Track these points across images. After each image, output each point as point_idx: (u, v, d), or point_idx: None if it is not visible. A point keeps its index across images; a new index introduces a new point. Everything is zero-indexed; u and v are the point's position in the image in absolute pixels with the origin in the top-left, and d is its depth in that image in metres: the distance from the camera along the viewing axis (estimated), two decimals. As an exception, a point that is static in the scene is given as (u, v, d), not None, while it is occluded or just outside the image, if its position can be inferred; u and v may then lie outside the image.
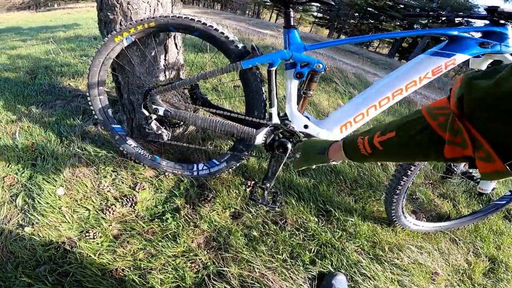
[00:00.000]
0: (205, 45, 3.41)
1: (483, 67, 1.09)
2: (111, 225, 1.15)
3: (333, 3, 0.96)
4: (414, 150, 0.51)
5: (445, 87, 5.73)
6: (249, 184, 1.42)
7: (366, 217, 1.38)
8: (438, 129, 0.45)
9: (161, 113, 1.14)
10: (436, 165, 1.88)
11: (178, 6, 1.26)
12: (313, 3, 0.95)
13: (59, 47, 3.45)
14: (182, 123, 1.25)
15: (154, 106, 1.13)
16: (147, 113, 1.16)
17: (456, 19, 1.09)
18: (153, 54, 1.24)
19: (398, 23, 19.28)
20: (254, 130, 1.08)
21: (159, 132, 1.20)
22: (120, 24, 1.15)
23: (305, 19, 31.62)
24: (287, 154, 1.08)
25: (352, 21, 23.07)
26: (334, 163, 0.78)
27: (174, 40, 1.29)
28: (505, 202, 1.35)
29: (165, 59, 1.29)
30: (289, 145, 1.06)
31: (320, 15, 27.58)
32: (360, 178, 1.61)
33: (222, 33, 0.98)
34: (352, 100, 1.04)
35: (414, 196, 1.59)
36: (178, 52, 1.35)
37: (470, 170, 1.21)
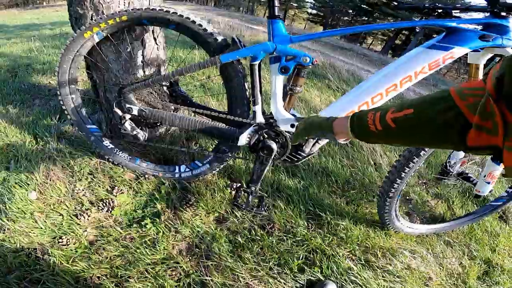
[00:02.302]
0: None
1: (482, 62, 1.02)
2: (86, 230, 1.08)
3: None
4: (432, 132, 0.44)
5: (438, 83, 5.72)
6: (234, 186, 1.35)
7: (358, 220, 1.31)
8: (466, 110, 0.40)
9: (135, 112, 1.06)
10: (431, 164, 1.83)
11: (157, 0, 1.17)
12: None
13: (43, 45, 3.32)
14: (159, 123, 1.17)
15: (127, 105, 1.05)
16: (120, 113, 1.08)
17: (453, 11, 1.02)
18: (128, 50, 1.15)
19: (392, 21, 19.31)
20: (237, 130, 1.01)
21: (134, 133, 1.12)
22: (91, 19, 1.05)
23: (299, 16, 31.58)
24: (273, 156, 1.01)
25: (346, 18, 23.07)
26: (341, 141, 0.70)
27: (153, 35, 1.20)
28: (501, 203, 1.30)
29: (143, 55, 1.20)
30: (275, 147, 0.99)
31: (314, 11, 27.54)
32: (352, 178, 1.54)
33: (200, 25, 0.89)
34: (343, 97, 0.96)
35: (407, 198, 1.54)
36: (158, 48, 1.26)
37: (467, 171, 1.15)
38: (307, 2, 28.77)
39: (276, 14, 0.87)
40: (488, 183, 1.04)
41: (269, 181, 1.41)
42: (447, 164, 1.16)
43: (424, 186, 1.67)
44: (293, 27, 15.86)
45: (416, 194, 1.56)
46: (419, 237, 1.32)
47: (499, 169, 1.00)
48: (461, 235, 1.39)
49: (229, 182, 1.39)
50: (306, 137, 0.78)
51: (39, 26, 5.97)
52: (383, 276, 1.11)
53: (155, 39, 1.21)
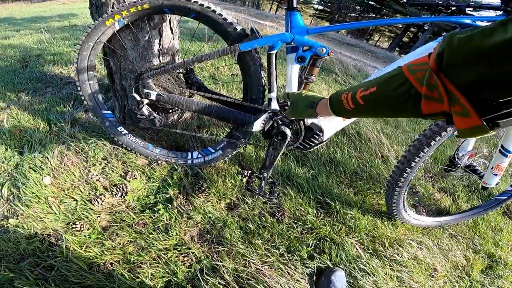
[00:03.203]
0: (202, 33, 3.32)
1: None
2: (99, 216, 1.10)
3: None
4: (392, 105, 0.51)
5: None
6: (245, 173, 1.37)
7: (366, 210, 1.34)
8: (416, 83, 0.46)
9: (153, 97, 1.09)
10: (438, 158, 1.84)
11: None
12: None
13: (52, 37, 3.35)
14: (176, 108, 1.19)
15: (146, 90, 1.08)
16: (138, 98, 1.11)
17: (467, 9, 1.03)
18: (146, 38, 1.17)
19: (400, 17, 19.07)
20: (252, 116, 1.03)
21: (151, 117, 1.15)
22: (113, 7, 1.08)
23: (305, 11, 31.26)
24: (286, 142, 1.03)
25: (353, 14, 22.80)
26: (320, 117, 0.79)
27: (170, 24, 1.23)
28: (506, 197, 1.31)
29: (159, 44, 1.23)
30: (288, 132, 1.01)
31: (320, 7, 27.24)
32: (360, 169, 1.57)
33: (220, 14, 0.92)
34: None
35: (414, 190, 1.56)
36: (173, 37, 1.29)
37: (474, 164, 1.17)
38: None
39: (295, 6, 0.90)
40: (496, 175, 1.06)
41: (280, 169, 1.44)
42: (455, 157, 1.18)
43: (430, 180, 1.69)
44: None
45: (422, 187, 1.58)
46: (425, 229, 1.34)
47: (507, 161, 1.02)
48: (466, 229, 1.41)
49: (240, 169, 1.41)
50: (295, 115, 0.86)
51: (47, 19, 5.99)
52: (390, 266, 1.13)
53: (171, 28, 1.24)
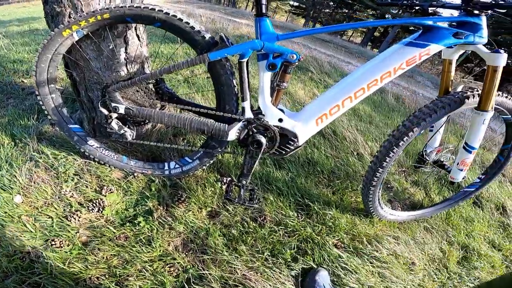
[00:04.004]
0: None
1: (455, 58, 1.09)
2: (78, 232, 1.07)
3: None
4: None
5: (413, 75, 5.93)
6: (225, 181, 1.36)
7: (345, 209, 1.37)
8: None
9: (121, 111, 1.04)
10: (409, 153, 1.92)
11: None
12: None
13: (12, 42, 3.13)
14: (147, 121, 1.16)
15: (113, 104, 1.04)
16: (106, 112, 1.06)
17: (429, 8, 1.07)
18: (110, 47, 1.12)
19: (371, 13, 19.66)
20: (226, 125, 1.02)
21: (122, 131, 1.10)
22: (69, 17, 1.02)
23: (281, 8, 31.41)
24: (262, 150, 1.03)
25: (327, 10, 23.20)
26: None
27: (136, 31, 1.18)
28: (474, 189, 1.39)
29: (126, 52, 1.17)
30: (264, 140, 1.01)
31: (296, 4, 27.48)
32: (337, 168, 1.60)
33: (187, 23, 0.89)
34: (327, 92, 1.00)
35: (389, 185, 1.62)
36: (141, 44, 1.24)
37: (442, 159, 1.23)
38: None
39: (264, 12, 0.89)
40: (461, 170, 1.12)
41: (258, 174, 1.44)
42: (424, 153, 1.24)
43: (404, 174, 1.75)
44: (275, 19, 15.80)
45: (396, 182, 1.64)
46: (401, 223, 1.39)
47: (471, 157, 1.08)
48: (439, 221, 1.47)
49: (219, 176, 1.40)
50: None
51: (5, 23, 5.60)
52: (371, 262, 1.17)
53: (138, 36, 1.19)
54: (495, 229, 1.57)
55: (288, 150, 1.06)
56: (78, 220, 1.10)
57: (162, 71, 0.92)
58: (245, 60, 0.90)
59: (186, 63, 0.89)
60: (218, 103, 1.02)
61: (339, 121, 2.02)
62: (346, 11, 21.23)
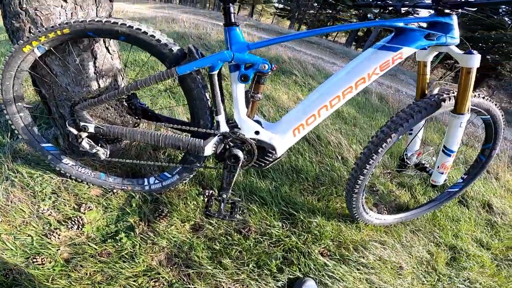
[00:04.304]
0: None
1: (429, 59, 1.08)
2: (59, 249, 1.04)
3: None
4: None
5: (396, 73, 6.03)
6: (207, 194, 1.33)
7: (330, 215, 1.35)
8: None
9: (91, 130, 1.00)
10: (394, 154, 1.93)
11: (105, 6, 1.09)
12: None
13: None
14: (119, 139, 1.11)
15: (82, 124, 0.99)
16: (75, 132, 1.01)
17: (402, 8, 1.05)
18: (77, 62, 1.07)
19: (354, 13, 19.98)
20: (202, 141, 0.98)
21: (94, 151, 1.06)
22: (30, 32, 0.97)
23: (266, 10, 31.61)
24: (240, 164, 1.00)
25: (311, 11, 23.47)
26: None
27: (105, 44, 1.13)
28: (457, 189, 1.39)
29: (95, 66, 1.13)
30: (241, 155, 0.98)
31: (281, 6, 27.71)
32: (321, 174, 1.59)
33: (153, 36, 0.85)
34: (303, 102, 0.98)
35: (374, 189, 1.61)
36: (112, 57, 1.19)
37: (423, 162, 1.23)
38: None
39: (233, 21, 0.86)
40: (442, 173, 1.11)
41: (242, 185, 1.41)
42: (404, 157, 1.23)
43: (389, 176, 1.75)
44: (261, 22, 15.85)
45: (382, 184, 1.63)
46: (388, 227, 1.38)
47: (451, 160, 1.07)
48: (426, 223, 1.47)
49: (201, 189, 1.36)
50: None
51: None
52: (358, 269, 1.15)
53: (107, 48, 1.14)
54: (482, 228, 1.58)
55: (267, 162, 1.03)
56: (58, 238, 1.07)
57: (129, 88, 0.88)
58: (215, 72, 0.86)
59: (153, 78, 0.85)
60: (192, 117, 0.99)
61: (323, 125, 2.02)
62: (330, 11, 21.51)
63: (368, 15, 17.39)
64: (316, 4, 22.36)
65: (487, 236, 1.52)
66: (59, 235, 1.07)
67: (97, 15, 1.04)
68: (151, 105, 1.83)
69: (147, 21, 5.18)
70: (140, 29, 0.84)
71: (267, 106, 2.13)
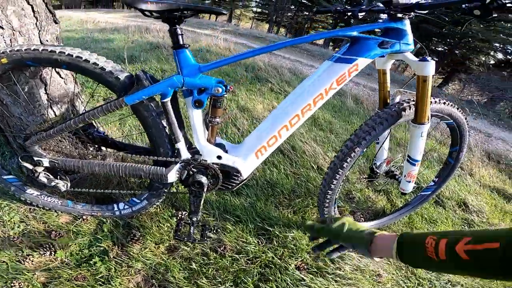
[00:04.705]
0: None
1: (388, 67, 1.07)
2: (35, 274, 1.01)
3: (224, 12, 0.84)
4: None
5: (372, 72, 6.15)
6: (179, 215, 1.30)
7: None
8: None
9: (46, 164, 0.94)
10: (370, 159, 1.94)
11: (49, 29, 1.04)
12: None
13: None
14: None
15: (35, 158, 0.93)
16: (30, 167, 0.95)
17: (359, 14, 1.01)
18: (26, 90, 1.01)
19: (330, 15, 20.34)
20: (164, 168, 0.95)
21: (53, 184, 1.00)
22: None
23: (245, 15, 31.74)
24: (206, 188, 0.97)
25: (289, 14, 23.77)
26: (376, 259, 0.63)
27: (54, 69, 1.08)
28: (430, 192, 1.40)
29: (46, 93, 1.07)
30: (205, 180, 0.95)
31: (259, 10, 27.91)
32: (297, 186, 1.57)
33: (95, 64, 0.80)
34: (263, 123, 0.95)
35: (350, 196, 1.61)
36: (65, 81, 1.14)
37: (392, 170, 1.24)
38: (252, 1, 29.05)
39: (181, 43, 0.82)
40: (409, 181, 1.12)
41: (215, 204, 1.38)
42: (374, 166, 1.23)
43: (365, 181, 1.76)
44: (240, 27, 15.85)
45: (358, 191, 1.63)
46: (365, 234, 1.38)
47: (416, 169, 1.08)
48: (402, 227, 1.47)
49: (174, 211, 1.33)
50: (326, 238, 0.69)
51: None
52: (335, 281, 1.14)
53: (58, 73, 1.09)
54: (460, 227, 1.59)
55: (233, 184, 1.00)
56: (32, 263, 1.05)
57: (76, 122, 0.83)
58: (167, 100, 0.83)
59: (101, 110, 0.81)
60: (152, 146, 0.95)
61: (298, 134, 2.01)
62: (307, 13, 21.86)
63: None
64: (293, 7, 22.68)
65: (465, 236, 1.54)
66: (32, 261, 1.05)
67: (40, 40, 0.99)
68: (119, 128, 1.76)
69: (119, 31, 5.06)
70: (81, 57, 0.79)
71: (241, 119, 2.11)
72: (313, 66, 5.50)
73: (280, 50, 6.85)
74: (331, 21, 20.68)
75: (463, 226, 1.61)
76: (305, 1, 21.25)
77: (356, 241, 0.61)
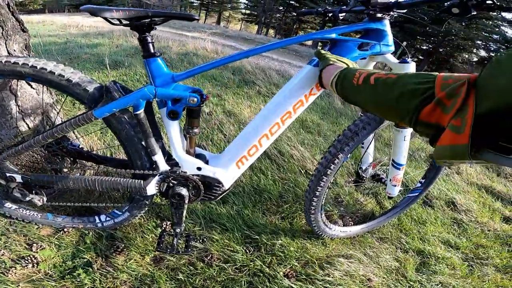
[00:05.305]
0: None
1: (369, 69, 1.06)
2: (19, 285, 0.99)
3: (197, 17, 0.81)
4: (400, 94, 0.50)
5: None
6: (163, 226, 1.27)
7: (295, 234, 1.32)
8: (439, 87, 0.44)
9: (19, 180, 0.90)
10: (357, 159, 1.93)
11: (16, 39, 0.99)
12: (173, 19, 0.78)
13: None
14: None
15: (7, 174, 0.89)
16: (3, 182, 0.91)
17: (340, 14, 1.00)
18: (-4, 103, 0.97)
19: (317, 15, 20.53)
20: (142, 181, 0.91)
21: (27, 199, 0.96)
22: None
23: (234, 16, 31.74)
24: (187, 200, 0.94)
25: (278, 15, 23.88)
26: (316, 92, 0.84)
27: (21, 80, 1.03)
28: (417, 193, 1.39)
29: (17, 105, 1.02)
30: (185, 192, 0.92)
31: (248, 11, 27.95)
32: (285, 191, 1.55)
33: (61, 75, 0.76)
34: (243, 132, 0.92)
35: (339, 200, 1.60)
36: (37, 91, 1.09)
37: (378, 173, 1.23)
38: (241, 2, 29.08)
39: (152, 51, 0.78)
40: (395, 185, 1.11)
41: (201, 213, 1.34)
42: (359, 171, 1.22)
43: (353, 184, 1.75)
44: (229, 29, 15.82)
45: (346, 194, 1.62)
46: (354, 239, 1.36)
47: (401, 173, 1.07)
48: (392, 229, 1.46)
49: (158, 221, 1.29)
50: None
51: None
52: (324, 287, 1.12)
53: (29, 84, 1.04)
54: (449, 227, 1.59)
55: (216, 195, 0.97)
56: (16, 275, 1.02)
57: (46, 137, 0.79)
58: (140, 111, 0.79)
59: (70, 124, 0.76)
60: (129, 159, 0.91)
61: (286, 138, 1.99)
62: (295, 14, 22.00)
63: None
64: (281, 8, 22.81)
65: (455, 236, 1.53)
66: (15, 273, 1.02)
67: (8, 51, 0.94)
68: (100, 138, 1.71)
69: (103, 36, 4.96)
70: (46, 69, 0.74)
71: (227, 124, 2.07)
72: (302, 66, 5.50)
73: (269, 51, 6.86)
74: (319, 22, 20.86)
75: (452, 226, 1.62)
76: (292, 2, 21.40)
77: (322, 62, 0.78)
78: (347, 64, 0.76)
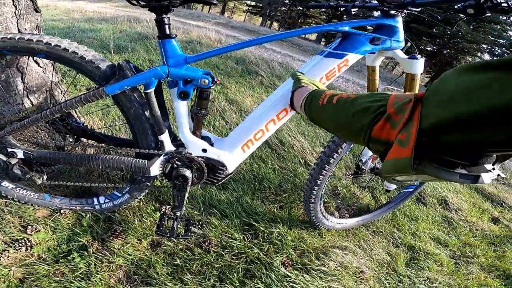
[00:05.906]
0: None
1: (377, 64, 1.07)
2: (11, 269, 0.99)
3: (215, 2, 0.81)
4: (355, 112, 0.51)
5: (362, 69, 6.20)
6: (163, 210, 1.27)
7: (292, 223, 1.34)
8: (390, 103, 0.46)
9: (21, 156, 0.90)
10: (356, 155, 1.96)
11: (29, 18, 0.98)
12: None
13: None
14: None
15: (9, 150, 0.89)
16: (4, 158, 0.91)
17: (352, 9, 1.00)
18: (3, 78, 0.96)
19: (324, 10, 20.34)
20: (146, 161, 0.92)
21: (28, 177, 0.96)
22: None
23: (239, 7, 31.33)
24: (190, 182, 0.95)
25: (283, 8, 23.61)
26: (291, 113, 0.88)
27: (32, 57, 1.03)
28: (412, 189, 1.42)
29: (23, 82, 1.02)
30: (189, 174, 0.93)
31: (253, 3, 27.60)
32: (284, 181, 1.57)
33: (75, 52, 0.76)
34: (251, 115, 0.94)
35: (336, 192, 1.62)
36: (44, 70, 1.08)
37: (378, 166, 1.25)
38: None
39: (168, 33, 0.79)
40: (393, 179, 1.13)
41: (201, 198, 1.36)
42: (359, 163, 1.24)
43: (351, 177, 1.78)
44: (233, 19, 15.61)
45: (344, 187, 1.65)
46: (349, 231, 1.39)
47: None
48: (385, 223, 1.49)
49: (158, 205, 1.30)
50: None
51: None
52: (320, 277, 1.15)
53: (36, 62, 1.04)
54: (439, 225, 1.63)
55: (219, 178, 0.99)
56: (8, 259, 1.02)
57: (53, 112, 0.79)
58: (151, 90, 0.79)
59: (80, 100, 0.77)
60: (134, 137, 0.91)
61: (286, 129, 2.00)
62: (301, 8, 21.76)
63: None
64: (287, 1, 22.53)
65: (444, 234, 1.57)
66: (8, 257, 1.02)
67: (18, 29, 0.93)
68: (102, 118, 1.71)
69: (107, 21, 4.88)
70: (60, 46, 0.75)
71: (230, 111, 2.08)
72: (304, 61, 5.49)
73: (272, 44, 6.81)
74: (324, 17, 20.67)
75: (443, 224, 1.66)
76: (298, -5, 21.12)
77: (295, 84, 0.81)
78: (317, 87, 0.77)
